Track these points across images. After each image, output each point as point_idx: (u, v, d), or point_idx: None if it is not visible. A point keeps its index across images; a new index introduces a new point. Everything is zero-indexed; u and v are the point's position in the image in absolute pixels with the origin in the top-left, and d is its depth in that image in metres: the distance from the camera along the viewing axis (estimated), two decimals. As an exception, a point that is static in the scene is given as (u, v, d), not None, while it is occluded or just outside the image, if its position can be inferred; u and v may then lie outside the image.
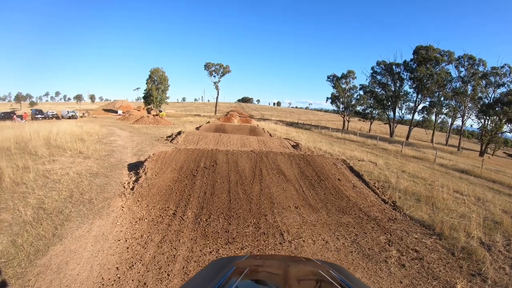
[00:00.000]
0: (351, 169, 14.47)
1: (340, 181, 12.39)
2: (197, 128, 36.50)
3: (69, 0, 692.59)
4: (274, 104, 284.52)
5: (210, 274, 2.36)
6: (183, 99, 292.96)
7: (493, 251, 7.95)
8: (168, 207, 8.88)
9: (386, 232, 8.35)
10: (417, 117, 77.47)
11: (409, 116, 76.69)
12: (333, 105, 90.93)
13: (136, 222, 7.84)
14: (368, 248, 7.22)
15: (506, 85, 61.27)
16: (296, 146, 23.92)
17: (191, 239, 6.98)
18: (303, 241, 7.29)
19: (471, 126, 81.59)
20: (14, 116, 55.93)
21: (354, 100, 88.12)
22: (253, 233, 7.43)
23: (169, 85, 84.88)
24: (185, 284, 2.45)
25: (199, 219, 8.12)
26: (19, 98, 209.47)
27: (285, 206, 9.43)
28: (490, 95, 63.51)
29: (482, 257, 7.35)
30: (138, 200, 9.31)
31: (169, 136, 25.57)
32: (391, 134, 74.68)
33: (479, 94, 63.78)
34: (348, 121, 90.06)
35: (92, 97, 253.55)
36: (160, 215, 8.31)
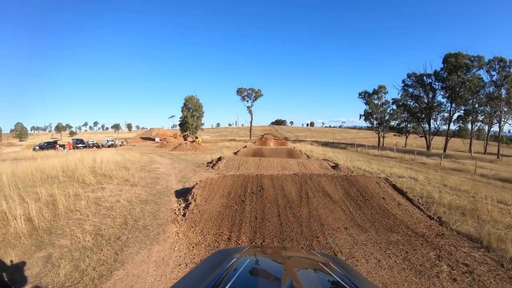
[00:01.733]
0: (394, 187, 14.55)
1: (384, 200, 12.55)
2: (235, 153, 36.85)
3: (105, 35, 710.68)
4: (307, 124, 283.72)
5: (211, 266, 2.40)
6: (218, 124, 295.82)
7: (545, 263, 7.98)
8: (222, 232, 9.14)
9: (435, 247, 8.48)
10: (453, 127, 75.30)
11: (445, 127, 75.07)
12: (367, 121, 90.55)
13: (193, 247, 8.13)
14: (420, 264, 7.39)
15: None
16: (335, 166, 24.04)
17: None
18: (357, 260, 7.50)
19: (509, 131, 79.82)
20: (57, 146, 57.93)
21: (387, 115, 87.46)
22: (308, 255, 7.61)
23: (203, 112, 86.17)
24: (186, 275, 2.50)
25: (253, 243, 8.38)
26: (59, 128, 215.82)
27: (335, 228, 9.64)
28: None
29: (533, 268, 7.39)
30: (192, 226, 9.65)
31: (210, 162, 25.92)
32: (428, 147, 73.30)
33: None
34: (383, 137, 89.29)
35: (129, 126, 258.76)
36: (216, 240, 8.58)
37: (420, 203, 12.81)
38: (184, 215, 10.75)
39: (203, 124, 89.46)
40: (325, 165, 24.65)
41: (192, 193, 12.70)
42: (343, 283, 2.03)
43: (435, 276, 6.85)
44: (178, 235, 9.02)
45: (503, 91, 63.78)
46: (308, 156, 34.72)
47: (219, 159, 25.98)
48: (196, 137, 76.04)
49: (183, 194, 13.92)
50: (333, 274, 2.23)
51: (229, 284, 1.81)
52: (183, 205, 12.08)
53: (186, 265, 7.13)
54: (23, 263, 7.14)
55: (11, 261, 7.18)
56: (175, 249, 8.05)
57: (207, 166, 24.54)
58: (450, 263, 7.53)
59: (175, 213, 11.27)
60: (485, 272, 7.15)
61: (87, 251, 7.64)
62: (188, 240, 8.67)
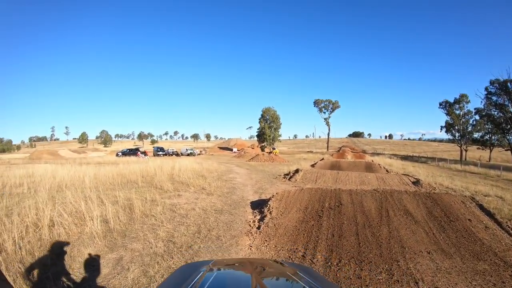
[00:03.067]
0: (481, 207, 13.67)
1: (471, 222, 11.80)
2: (313, 165, 36.76)
3: (184, 45, 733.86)
4: (385, 137, 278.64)
5: (179, 280, 2.40)
6: (295, 136, 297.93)
7: None
8: (296, 248, 8.99)
9: (525, 279, 7.84)
10: None
11: (534, 139, 70.00)
12: (448, 133, 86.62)
13: None
14: (509, 300, 6.84)
15: None
16: (416, 182, 23.15)
17: None
18: (439, 290, 7.04)
19: None
20: (138, 153, 60.89)
21: (470, 127, 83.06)
22: (387, 280, 7.30)
23: (281, 123, 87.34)
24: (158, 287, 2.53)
25: (329, 262, 8.13)
26: (141, 136, 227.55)
27: (417, 251, 9.16)
28: None
29: None
30: (266, 240, 9.59)
31: (287, 174, 26.01)
32: (516, 161, 69.06)
33: None
34: (466, 150, 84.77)
35: (207, 136, 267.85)
36: (289, 257, 8.45)
37: (510, 227, 11.98)
38: (258, 227, 10.72)
39: (280, 135, 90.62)
40: (406, 181, 23.93)
41: (268, 205, 12.67)
42: None
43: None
44: (251, 249, 9.00)
45: None
46: (387, 170, 34.00)
47: (296, 171, 26.00)
48: (274, 148, 77.02)
49: (258, 205, 13.95)
50: (301, 282, 2.27)
51: None
52: (258, 217, 12.08)
53: None
54: (94, 263, 7.45)
55: (83, 260, 7.49)
56: None
57: (284, 177, 24.62)
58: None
59: (249, 225, 11.30)
60: None
61: (158, 257, 7.82)
62: (261, 254, 8.64)
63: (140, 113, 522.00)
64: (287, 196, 13.65)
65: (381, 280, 7.33)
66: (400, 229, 10.76)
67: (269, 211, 12.01)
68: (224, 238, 9.71)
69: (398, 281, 7.35)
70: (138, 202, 12.06)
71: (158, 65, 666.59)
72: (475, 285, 7.45)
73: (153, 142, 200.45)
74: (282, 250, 8.89)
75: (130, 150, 71.05)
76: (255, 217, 12.30)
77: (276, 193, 14.26)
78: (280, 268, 3.15)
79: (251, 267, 2.97)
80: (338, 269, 7.80)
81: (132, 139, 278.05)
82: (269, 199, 13.65)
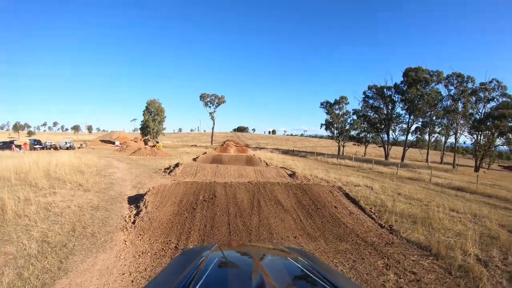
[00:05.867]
0: (347, 195, 14.70)
1: (337, 209, 12.61)
2: (194, 159, 36.72)
3: (67, 33, 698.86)
4: (269, 132, 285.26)
5: (182, 265, 2.45)
6: (179, 129, 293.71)
7: (490, 266, 8.19)
8: (170, 240, 8.99)
9: (383, 256, 8.55)
10: (411, 137, 78.78)
11: (403, 138, 77.97)
12: (328, 131, 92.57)
13: (139, 256, 7.95)
14: (366, 273, 7.39)
15: (495, 100, 64.63)
16: (292, 175, 24.09)
17: None
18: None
19: (464, 142, 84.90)
20: (13, 146, 56.01)
21: (348, 125, 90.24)
22: (253, 264, 7.49)
23: (165, 116, 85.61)
24: (159, 274, 2.56)
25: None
26: (17, 127, 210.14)
27: (284, 236, 9.58)
28: (480, 111, 66.70)
29: (479, 274, 7.57)
30: (140, 234, 9.44)
31: (167, 168, 25.66)
32: (386, 156, 75.89)
33: (470, 111, 68.13)
34: (343, 146, 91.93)
35: (89, 128, 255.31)
36: (163, 249, 8.42)
37: (372, 212, 13.00)
38: (133, 222, 10.52)
39: (164, 128, 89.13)
40: (282, 173, 24.74)
41: (144, 200, 12.47)
42: (310, 274, 2.12)
43: (381, 286, 6.86)
44: (125, 243, 8.81)
45: (460, 105, 68.64)
46: (267, 164, 34.95)
47: (177, 165, 25.74)
48: (157, 142, 75.45)
49: (135, 200, 13.66)
50: (300, 266, 2.30)
51: (200, 283, 1.82)
52: (134, 212, 11.85)
53: (130, 274, 6.95)
54: None
55: None
56: (121, 257, 7.85)
57: (164, 172, 24.27)
58: (398, 272, 7.59)
59: (125, 220, 11.03)
60: (432, 281, 7.24)
61: (32, 259, 7.40)
62: (135, 248, 8.48)
63: (16, 101, 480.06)
64: (163, 190, 13.57)
65: (249, 265, 7.49)
66: (270, 217, 11.16)
67: (144, 206, 11.83)
68: (99, 234, 9.39)
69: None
70: (10, 202, 11.25)
71: (34, 45, 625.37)
72: (336, 262, 7.98)
73: (29, 134, 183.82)
74: (156, 243, 8.81)
75: (4, 143, 64.73)
76: (131, 212, 12.02)
77: (153, 187, 14.09)
78: (281, 252, 3.14)
79: (253, 252, 2.96)
80: (208, 257, 7.86)
81: (7, 130, 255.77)
82: (146, 193, 13.43)
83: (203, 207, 11.74)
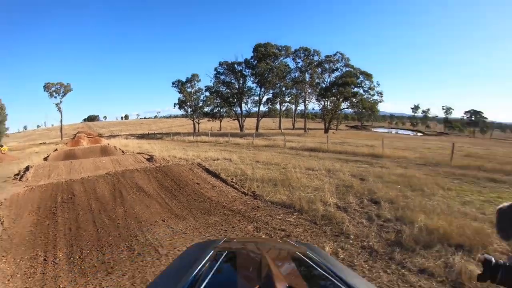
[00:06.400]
0: (208, 170, 15.09)
1: (199, 185, 12.84)
2: (46, 159, 33.96)
3: None
4: (122, 118, 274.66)
5: (188, 260, 2.34)
6: (25, 127, 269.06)
7: (350, 211, 9.10)
8: (37, 254, 8.20)
9: (252, 221, 8.92)
10: (263, 108, 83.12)
11: (256, 109, 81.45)
12: (181, 110, 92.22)
13: (8, 280, 7.08)
14: (239, 240, 7.66)
15: (339, 70, 72.04)
16: (150, 158, 23.67)
17: (71, 281, 6.66)
18: (178, 250, 7.43)
19: (313, 109, 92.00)
20: None
21: (201, 102, 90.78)
22: (129, 257, 7.37)
23: (7, 114, 78.01)
24: (164, 271, 2.50)
25: (72, 258, 7.72)
26: None
27: (153, 222, 9.49)
28: (326, 80, 74.43)
29: (341, 219, 8.35)
30: (3, 256, 8.50)
31: (17, 174, 23.59)
32: (241, 128, 78.42)
33: (317, 80, 75.02)
34: (198, 123, 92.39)
35: None
36: (31, 266, 7.64)
37: (234, 182, 13.44)
38: (-8, 245, 9.58)
39: (7, 129, 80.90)
40: (140, 159, 24.36)
41: (-2, 216, 11.39)
42: (321, 270, 2.07)
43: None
44: (-13, 271, 7.99)
45: (307, 76, 75.18)
46: (123, 152, 33.96)
47: (27, 168, 23.74)
48: (1, 146, 69.00)
49: (-9, 219, 12.44)
50: (310, 262, 2.23)
51: (207, 278, 1.78)
52: (-8, 233, 10.80)
53: None
54: None
55: None
56: None
57: (14, 179, 22.24)
58: (268, 232, 8.01)
59: (-20, 246, 10.01)
60: (301, 233, 7.81)
61: None
62: (1, 273, 7.69)
63: None
64: (17, 199, 12.38)
65: (124, 258, 7.33)
66: (135, 206, 10.98)
67: (0, 222, 10.83)
68: None
69: (140, 254, 7.48)
70: None
71: None
72: (209, 236, 8.15)
73: None
74: (22, 261, 7.96)
75: None
76: None
77: (5, 199, 12.79)
78: (290, 247, 3.01)
79: (262, 247, 2.78)
80: (82, 261, 7.47)
81: None
82: (-2, 208, 12.28)
83: (64, 209, 11.06)
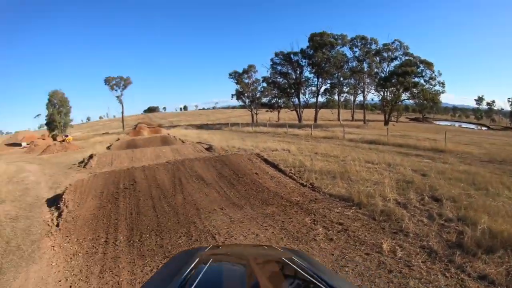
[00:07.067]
0: (266, 161, 15.07)
1: (258, 175, 12.86)
2: (108, 148, 35.51)
3: None
4: (180, 109, 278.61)
5: (175, 267, 2.39)
6: (88, 119, 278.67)
7: (410, 208, 8.80)
8: (98, 236, 8.65)
9: (309, 213, 8.88)
10: (321, 99, 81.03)
11: (314, 100, 79.45)
12: (239, 100, 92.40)
13: (71, 258, 7.54)
14: (296, 231, 7.65)
15: (398, 58, 68.55)
16: (209, 148, 24.11)
17: (130, 262, 6.93)
18: (235, 239, 7.54)
19: (372, 99, 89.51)
20: None
21: (258, 93, 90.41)
22: (187, 242, 7.54)
23: (71, 107, 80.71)
24: (151, 278, 2.55)
25: (131, 240, 8.04)
26: None
27: (211, 210, 9.63)
28: (385, 69, 70.77)
29: (400, 215, 8.13)
30: (67, 236, 8.97)
31: (81, 162, 24.55)
32: (299, 119, 77.16)
33: (375, 70, 71.63)
34: (256, 114, 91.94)
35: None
36: (93, 246, 8.07)
37: (292, 173, 13.37)
38: (57, 225, 9.94)
39: (72, 120, 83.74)
40: (199, 148, 24.69)
41: (63, 199, 11.85)
42: (307, 275, 2.05)
43: (312, 240, 7.12)
44: (54, 249, 8.30)
45: (365, 65, 72.31)
46: (182, 141, 34.53)
47: (91, 156, 24.64)
48: (66, 136, 71.60)
49: (55, 202, 12.94)
50: (296, 268, 2.23)
51: (193, 286, 1.78)
52: (56, 214, 11.20)
53: (67, 279, 6.60)
54: None
55: None
56: (53, 264, 7.40)
57: (79, 166, 23.19)
58: (325, 225, 7.94)
59: (48, 225, 10.40)
60: (358, 228, 7.67)
61: None
62: (65, 252, 8.04)
63: None
64: (81, 185, 12.98)
65: (182, 244, 7.52)
66: (194, 194, 11.17)
67: (65, 205, 11.22)
68: (25, 246, 8.70)
69: (197, 240, 7.65)
70: None
71: None
72: (266, 226, 8.19)
73: None
74: (85, 241, 8.40)
75: None
76: (53, 215, 11.33)
77: (70, 185, 13.43)
78: (275, 253, 3.08)
79: (247, 253, 2.88)
80: (141, 244, 7.76)
81: None
82: (64, 192, 12.80)
83: (126, 195, 11.46)
